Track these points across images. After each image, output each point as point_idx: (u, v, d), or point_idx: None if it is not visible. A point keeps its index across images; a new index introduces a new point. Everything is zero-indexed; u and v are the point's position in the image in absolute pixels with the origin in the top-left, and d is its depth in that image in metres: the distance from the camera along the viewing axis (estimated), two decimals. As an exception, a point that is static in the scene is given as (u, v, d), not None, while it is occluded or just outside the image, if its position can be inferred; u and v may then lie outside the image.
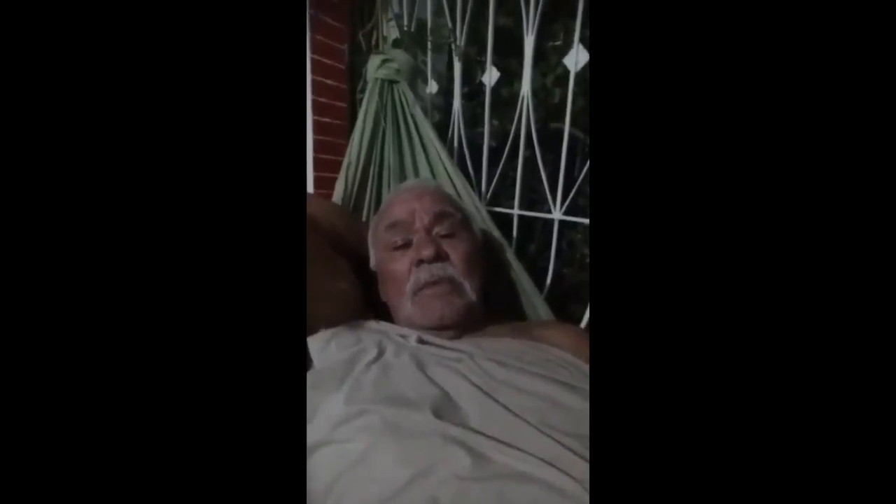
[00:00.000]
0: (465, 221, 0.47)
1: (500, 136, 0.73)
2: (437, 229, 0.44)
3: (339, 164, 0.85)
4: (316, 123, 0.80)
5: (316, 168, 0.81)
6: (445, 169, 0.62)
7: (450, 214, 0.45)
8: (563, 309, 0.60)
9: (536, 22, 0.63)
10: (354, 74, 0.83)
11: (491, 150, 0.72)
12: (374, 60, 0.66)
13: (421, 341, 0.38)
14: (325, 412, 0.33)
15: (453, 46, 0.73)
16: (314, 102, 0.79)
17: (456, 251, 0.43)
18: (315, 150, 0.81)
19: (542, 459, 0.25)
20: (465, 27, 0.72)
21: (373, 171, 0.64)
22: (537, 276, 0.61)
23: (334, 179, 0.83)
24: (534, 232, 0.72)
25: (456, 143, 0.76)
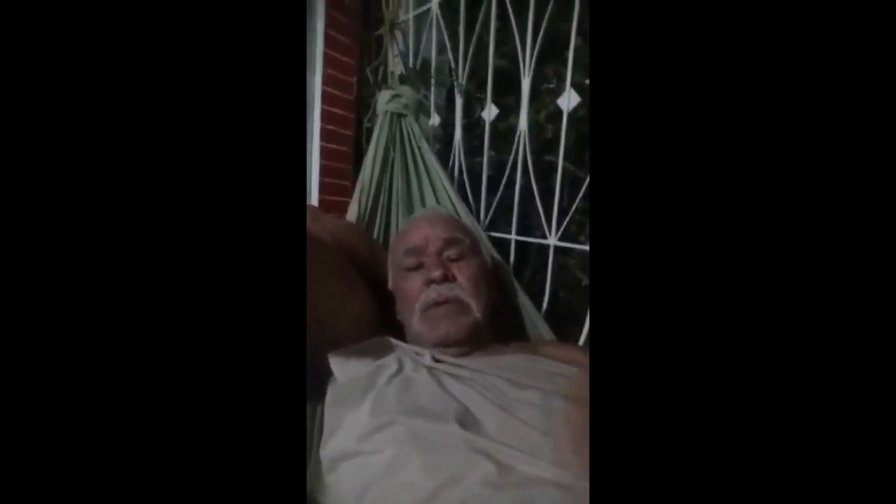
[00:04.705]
0: (474, 247, 0.51)
1: (496, 165, 0.79)
2: (446, 253, 0.48)
3: (345, 188, 0.89)
4: (323, 149, 0.85)
5: (322, 191, 0.85)
6: (449, 196, 0.67)
7: (459, 240, 0.49)
8: (560, 330, 0.64)
9: (532, 65, 0.70)
10: (361, 105, 0.89)
11: (489, 178, 0.78)
12: (384, 95, 0.71)
13: (435, 360, 0.41)
14: (350, 424, 0.35)
15: (455, 84, 0.80)
16: (323, 130, 0.84)
17: (463, 273, 0.47)
18: (322, 175, 0.85)
19: (563, 468, 0.28)
20: (466, 66, 0.79)
21: (383, 196, 0.67)
22: (534, 298, 0.65)
23: (339, 202, 0.87)
24: (529, 257, 0.76)
25: (456, 172, 0.81)
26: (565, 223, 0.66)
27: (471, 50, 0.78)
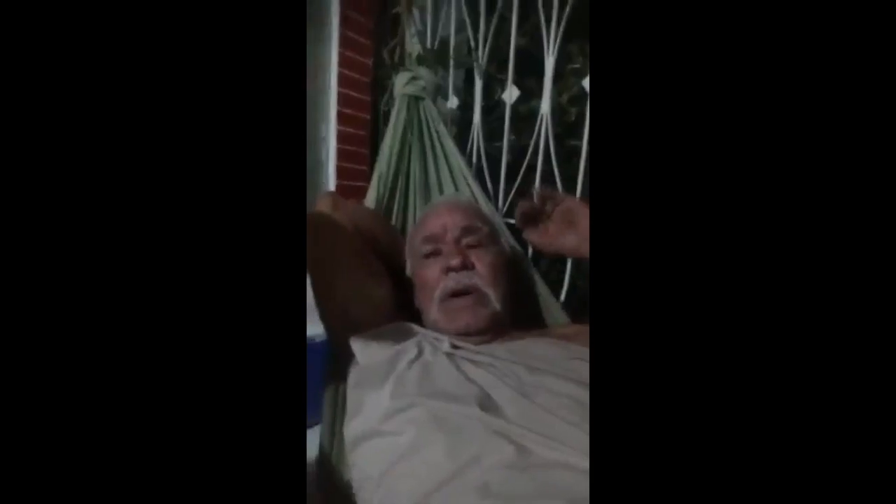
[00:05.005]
0: (493, 235, 0.50)
1: (517, 150, 0.77)
2: (465, 241, 0.47)
3: (362, 172, 0.89)
4: (340, 133, 0.84)
5: (339, 176, 0.85)
6: (467, 182, 0.66)
7: (478, 228, 0.49)
8: (578, 318, 0.63)
9: (557, 43, 0.67)
10: (378, 87, 0.87)
11: (508, 164, 0.76)
12: (401, 77, 0.69)
13: (454, 346, 0.41)
14: (371, 406, 0.36)
15: (475, 64, 0.77)
16: (339, 114, 0.83)
17: (482, 262, 0.46)
18: (339, 159, 0.85)
19: (580, 451, 0.28)
20: (486, 46, 0.76)
21: (401, 182, 0.67)
22: (552, 286, 0.64)
23: (356, 187, 0.87)
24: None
25: (475, 157, 0.79)
26: (587, 210, 0.65)
27: (492, 28, 0.75)
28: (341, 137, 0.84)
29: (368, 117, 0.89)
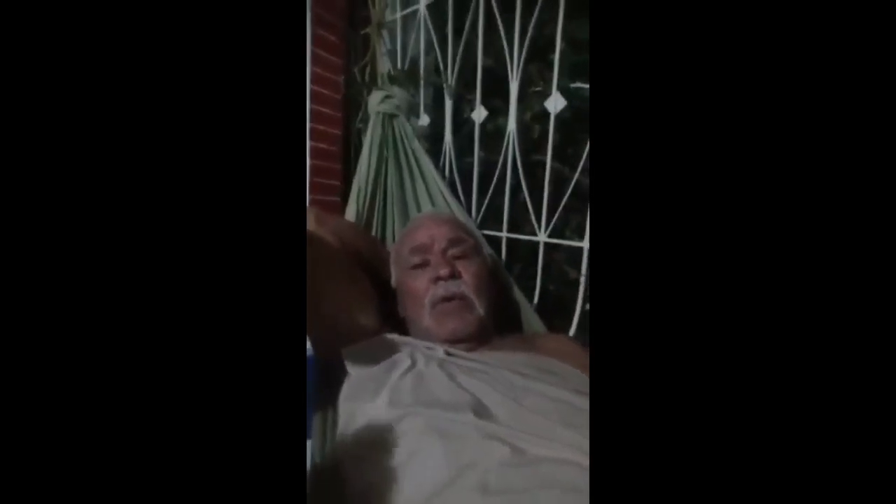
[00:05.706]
0: (477, 246, 0.54)
1: (486, 165, 0.81)
2: (451, 252, 0.50)
3: (334, 187, 0.89)
4: (313, 149, 0.84)
5: (312, 191, 0.85)
6: (443, 196, 0.69)
7: (464, 240, 0.52)
8: (550, 322, 0.67)
9: (520, 68, 0.73)
10: (349, 104, 0.89)
11: (479, 177, 0.80)
12: (375, 96, 0.72)
13: (447, 353, 0.43)
14: (367, 417, 0.37)
15: (444, 85, 0.81)
16: (312, 130, 0.83)
17: (468, 272, 0.49)
18: (311, 174, 0.84)
19: (572, 447, 0.30)
20: (455, 67, 0.81)
21: (379, 197, 0.68)
22: (525, 293, 0.68)
23: (329, 202, 0.86)
24: (520, 253, 0.79)
25: (447, 171, 0.83)
26: (554, 220, 0.70)
27: (459, 51, 0.79)
28: (313, 153, 0.84)
29: (339, 133, 0.90)
